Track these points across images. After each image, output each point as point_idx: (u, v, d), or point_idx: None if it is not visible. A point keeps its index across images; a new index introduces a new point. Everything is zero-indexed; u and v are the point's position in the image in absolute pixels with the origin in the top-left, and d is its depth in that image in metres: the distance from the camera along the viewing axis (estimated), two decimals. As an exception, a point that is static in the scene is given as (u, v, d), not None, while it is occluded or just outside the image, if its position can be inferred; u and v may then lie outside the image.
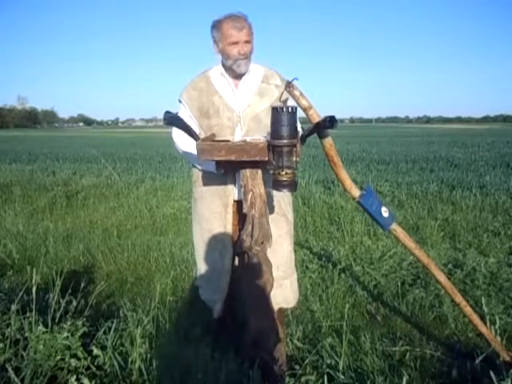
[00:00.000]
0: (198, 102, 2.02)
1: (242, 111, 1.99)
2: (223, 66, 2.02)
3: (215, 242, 2.05)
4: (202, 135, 1.91)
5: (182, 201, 5.59)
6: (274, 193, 1.97)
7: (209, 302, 2.15)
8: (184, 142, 1.99)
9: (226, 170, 1.87)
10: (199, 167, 2.06)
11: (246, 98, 2.00)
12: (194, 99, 2.03)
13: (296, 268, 2.23)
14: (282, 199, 2.09)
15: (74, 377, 1.65)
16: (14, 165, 10.62)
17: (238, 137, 1.89)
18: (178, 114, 2.01)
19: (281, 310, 2.15)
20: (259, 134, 1.75)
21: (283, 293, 2.10)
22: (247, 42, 1.91)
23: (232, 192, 2.00)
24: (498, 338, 1.91)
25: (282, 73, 2.11)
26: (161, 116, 1.67)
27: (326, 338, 2.14)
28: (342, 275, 3.02)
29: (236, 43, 1.89)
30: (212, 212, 2.05)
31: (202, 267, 2.15)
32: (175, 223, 4.84)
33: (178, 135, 2.02)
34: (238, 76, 2.00)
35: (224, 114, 1.98)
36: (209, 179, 2.04)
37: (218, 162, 1.75)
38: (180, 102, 2.08)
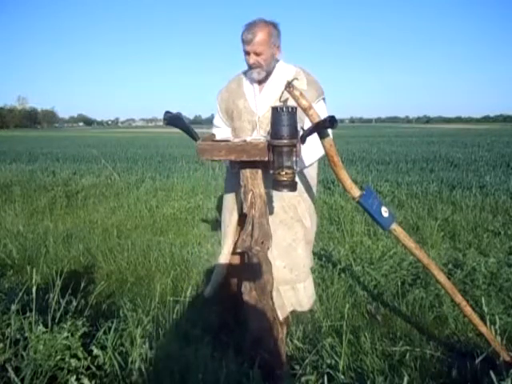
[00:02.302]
0: (226, 104, 2.13)
1: (262, 115, 2.02)
2: None
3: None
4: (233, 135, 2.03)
5: (182, 201, 5.59)
6: (291, 199, 2.02)
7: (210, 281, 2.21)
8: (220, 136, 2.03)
9: (239, 168, 1.90)
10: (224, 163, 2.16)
11: (268, 102, 2.02)
12: (224, 101, 2.14)
13: (311, 273, 2.21)
14: (299, 205, 2.09)
15: (74, 377, 1.65)
16: (13, 165, 10.61)
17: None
18: (215, 114, 2.19)
19: (293, 312, 2.15)
20: None
21: (296, 296, 2.11)
22: (257, 53, 1.92)
23: None
24: (498, 338, 1.91)
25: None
26: (161, 116, 1.67)
27: (326, 338, 2.14)
28: (342, 275, 3.02)
29: (247, 53, 1.94)
30: (228, 204, 2.16)
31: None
32: (175, 223, 4.84)
33: (215, 131, 2.12)
34: (264, 80, 2.03)
35: (245, 117, 2.05)
36: (230, 175, 2.15)
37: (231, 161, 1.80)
38: (217, 102, 2.20)
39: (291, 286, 2.06)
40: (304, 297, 2.13)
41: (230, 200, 2.15)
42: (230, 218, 2.11)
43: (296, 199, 2.04)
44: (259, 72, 1.98)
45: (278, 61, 2.03)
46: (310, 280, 2.20)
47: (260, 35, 1.90)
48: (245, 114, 2.05)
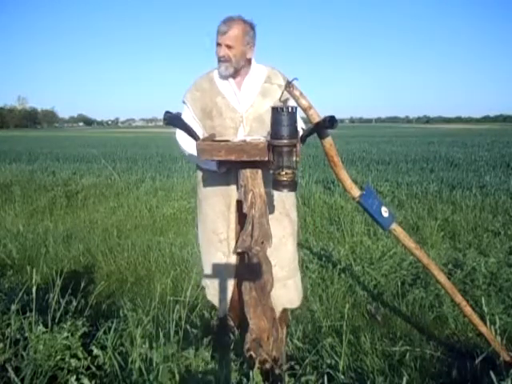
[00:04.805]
0: (202, 103, 2.03)
1: (245, 112, 2.00)
2: None
3: (219, 242, 2.07)
4: (206, 136, 1.91)
5: (182, 201, 5.59)
6: (278, 192, 1.98)
7: (214, 302, 2.17)
8: (187, 143, 1.99)
9: (228, 168, 1.86)
10: (203, 166, 2.05)
11: (249, 98, 2.01)
12: (198, 100, 2.04)
13: (300, 268, 2.24)
14: (287, 199, 2.09)
15: (74, 377, 1.65)
16: (13, 165, 10.60)
17: (240, 137, 1.90)
18: (182, 115, 2.02)
19: (284, 310, 2.15)
20: (262, 134, 1.75)
21: (288, 294, 2.10)
22: (229, 46, 1.92)
23: (234, 192, 2.00)
24: (498, 338, 1.91)
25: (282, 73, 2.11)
26: (161, 116, 1.67)
27: (326, 338, 2.14)
28: (342, 275, 3.02)
29: (219, 45, 1.93)
30: (216, 212, 2.07)
31: (207, 267, 2.16)
32: (175, 223, 4.84)
33: (181, 136, 2.02)
34: (238, 77, 2.01)
35: (227, 114, 2.00)
36: (212, 179, 2.05)
37: (220, 161, 1.75)
38: (184, 102, 2.09)
39: (282, 284, 2.06)
40: (295, 293, 2.14)
41: (217, 206, 2.07)
42: (225, 225, 2.04)
43: (283, 193, 2.03)
44: (227, 67, 1.95)
45: (250, 60, 2.01)
46: (299, 275, 2.21)
47: (235, 30, 1.91)
48: (226, 112, 2.00)
